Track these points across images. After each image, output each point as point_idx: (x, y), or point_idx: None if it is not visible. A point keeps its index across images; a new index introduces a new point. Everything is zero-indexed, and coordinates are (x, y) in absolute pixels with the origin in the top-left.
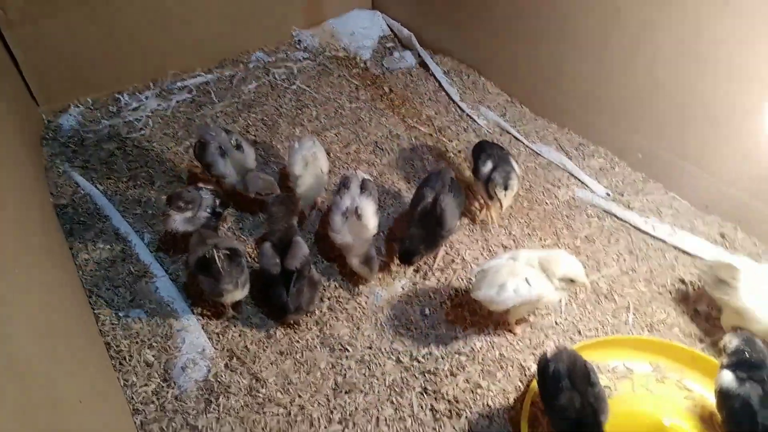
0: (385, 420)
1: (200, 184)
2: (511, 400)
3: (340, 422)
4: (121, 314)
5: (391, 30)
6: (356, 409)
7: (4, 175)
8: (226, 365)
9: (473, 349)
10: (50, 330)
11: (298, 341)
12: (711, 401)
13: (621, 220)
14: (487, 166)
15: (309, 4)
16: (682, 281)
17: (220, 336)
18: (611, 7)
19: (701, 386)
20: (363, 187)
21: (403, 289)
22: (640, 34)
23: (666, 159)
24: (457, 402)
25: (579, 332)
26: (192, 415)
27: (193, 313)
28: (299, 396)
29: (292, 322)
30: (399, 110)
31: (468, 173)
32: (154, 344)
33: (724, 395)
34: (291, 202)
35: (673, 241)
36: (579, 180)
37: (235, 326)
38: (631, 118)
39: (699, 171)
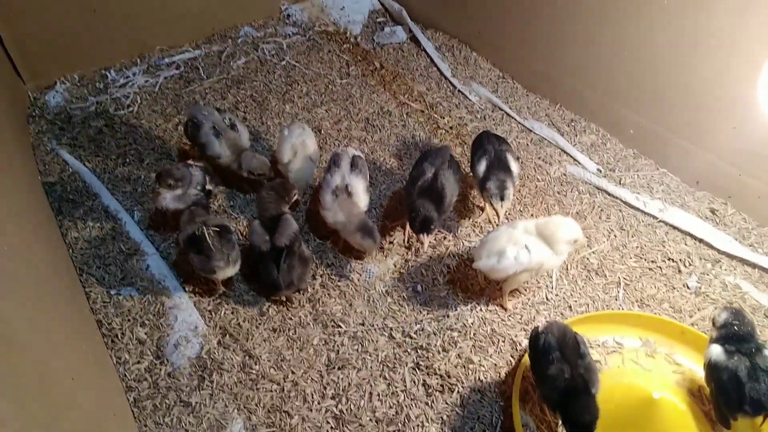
0: (378, 395)
1: (190, 161)
2: (503, 375)
3: (333, 398)
4: (112, 292)
5: (382, 4)
6: (349, 384)
7: None
8: (219, 342)
9: (465, 325)
10: (41, 308)
11: (290, 318)
12: (700, 375)
13: (612, 196)
14: (482, 166)
15: None
16: (672, 258)
17: (213, 313)
18: None
19: (690, 360)
20: (353, 164)
21: (395, 266)
22: (632, 9)
23: (657, 135)
24: (449, 377)
25: (570, 308)
26: (185, 392)
27: (185, 291)
28: (292, 372)
29: (283, 298)
30: (390, 86)
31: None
32: (147, 322)
33: (712, 368)
34: (284, 189)
35: (664, 217)
36: (571, 156)
37: (227, 304)
38: (623, 93)
39: (690, 146)
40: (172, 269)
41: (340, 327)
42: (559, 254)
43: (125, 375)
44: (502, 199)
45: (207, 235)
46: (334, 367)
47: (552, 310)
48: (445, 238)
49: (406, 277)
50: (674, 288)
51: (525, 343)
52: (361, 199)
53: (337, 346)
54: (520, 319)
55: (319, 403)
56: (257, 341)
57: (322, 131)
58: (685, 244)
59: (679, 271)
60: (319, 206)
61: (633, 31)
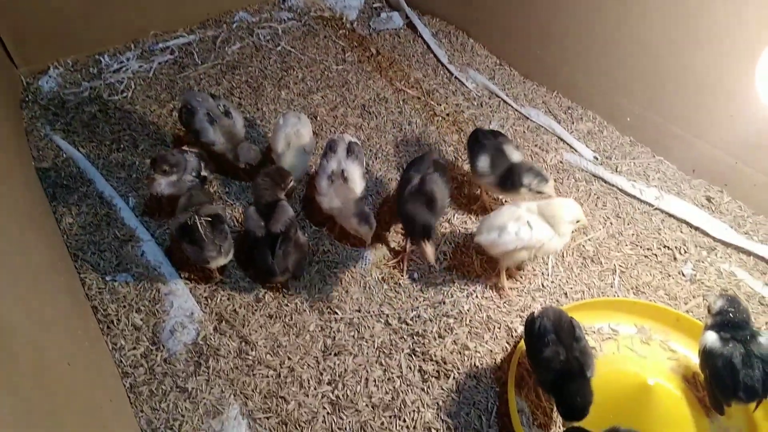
0: (374, 381)
1: (185, 147)
2: (498, 361)
3: (329, 383)
4: (107, 278)
5: None
6: (345, 370)
7: None
8: (215, 328)
9: (461, 312)
10: (35, 294)
11: (287, 305)
12: (694, 362)
13: (608, 183)
14: (483, 161)
15: None
16: (667, 245)
17: (209, 300)
18: None
19: (685, 347)
20: (349, 150)
21: (391, 253)
22: None
23: (654, 122)
24: (445, 363)
25: (565, 295)
26: (181, 378)
27: (181, 278)
28: (289, 358)
29: (278, 284)
30: (386, 73)
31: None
32: (142, 308)
33: (707, 355)
34: (279, 176)
35: (660, 205)
36: (567, 144)
37: (223, 290)
38: (620, 81)
39: (686, 134)
40: (168, 256)
41: (336, 313)
42: (561, 236)
43: (121, 361)
44: (546, 180)
45: (199, 225)
46: (330, 354)
47: (548, 297)
48: (440, 224)
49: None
50: (670, 275)
51: (520, 329)
52: (358, 185)
53: (334, 332)
54: (516, 305)
55: (315, 389)
56: (253, 327)
57: (318, 118)
58: (681, 232)
59: (675, 258)
60: (315, 192)
61: (631, 18)
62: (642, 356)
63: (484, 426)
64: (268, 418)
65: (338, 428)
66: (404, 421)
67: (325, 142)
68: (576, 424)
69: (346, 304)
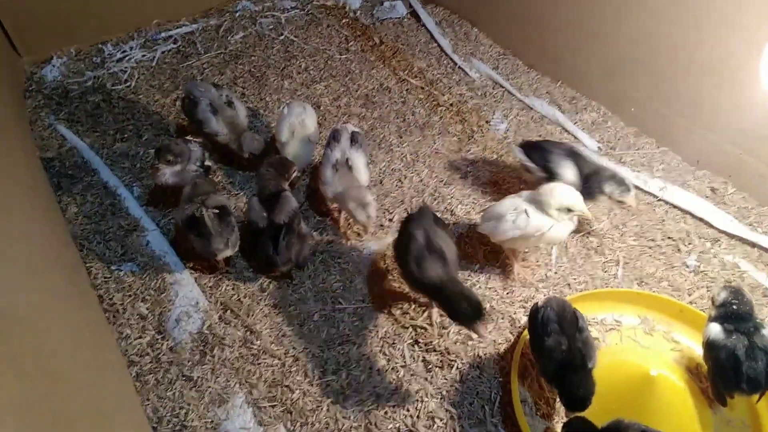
0: (378, 371)
1: (188, 137)
2: (502, 351)
3: (333, 373)
4: (113, 268)
5: None
6: (349, 360)
7: None
8: (220, 318)
9: None
10: (41, 283)
11: (291, 295)
12: (698, 353)
13: None
14: (568, 170)
15: None
16: (671, 236)
17: (213, 289)
18: None
19: (688, 338)
20: (353, 139)
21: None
22: None
23: (659, 113)
24: (448, 353)
25: (569, 285)
26: (187, 367)
27: (186, 267)
28: (293, 348)
29: (281, 274)
30: (390, 62)
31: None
32: (148, 297)
33: (711, 346)
34: (283, 166)
35: (664, 196)
36: (571, 134)
37: (228, 280)
38: (625, 71)
39: (691, 125)
40: (172, 245)
41: (340, 303)
42: (560, 222)
43: (127, 350)
44: (629, 190)
45: (207, 218)
46: (334, 343)
47: (551, 288)
48: (443, 215)
49: None
50: (673, 266)
51: (524, 320)
52: (362, 173)
53: (337, 322)
54: (520, 296)
55: (319, 378)
56: (258, 317)
57: (321, 107)
58: (685, 223)
59: (679, 249)
60: (319, 181)
61: (635, 7)
62: (645, 347)
63: (488, 416)
64: (273, 407)
65: (342, 417)
66: (408, 410)
67: (329, 132)
68: (578, 414)
69: (349, 294)
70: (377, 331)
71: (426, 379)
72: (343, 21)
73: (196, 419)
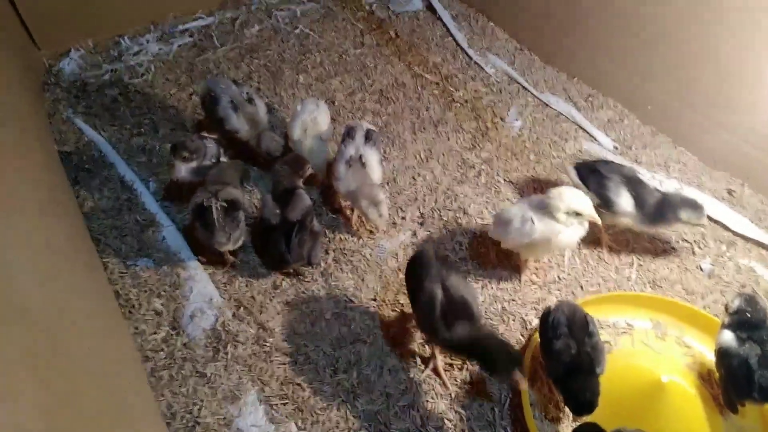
0: (389, 370)
1: (204, 134)
2: None
3: (345, 371)
4: (129, 263)
5: None
6: (360, 359)
7: (8, 122)
8: (233, 314)
9: None
10: (58, 277)
11: (303, 292)
12: (710, 359)
13: None
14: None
15: None
16: (686, 239)
17: (227, 286)
18: None
19: (701, 344)
20: (367, 136)
21: (407, 242)
22: None
23: (676, 112)
24: None
25: (581, 287)
26: (201, 363)
27: (200, 263)
28: (305, 345)
29: (292, 271)
30: (405, 57)
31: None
32: (163, 293)
33: (723, 354)
34: (297, 164)
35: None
36: (587, 132)
37: (241, 276)
38: (642, 68)
39: (709, 124)
40: (187, 241)
41: (352, 302)
42: (569, 228)
43: (142, 345)
44: (703, 213)
45: (214, 209)
46: (345, 342)
47: (564, 290)
48: (456, 215)
49: None
50: (687, 270)
51: (535, 321)
52: (375, 170)
53: (349, 320)
54: (531, 297)
55: (330, 377)
56: (271, 314)
57: (336, 103)
58: (700, 226)
59: (693, 252)
60: (332, 177)
61: (656, 3)
62: (657, 352)
63: (497, 418)
64: (284, 404)
65: (353, 416)
66: (417, 410)
67: (343, 128)
68: (587, 419)
69: (361, 293)
70: (388, 331)
71: (436, 379)
72: (359, 14)
73: (209, 415)
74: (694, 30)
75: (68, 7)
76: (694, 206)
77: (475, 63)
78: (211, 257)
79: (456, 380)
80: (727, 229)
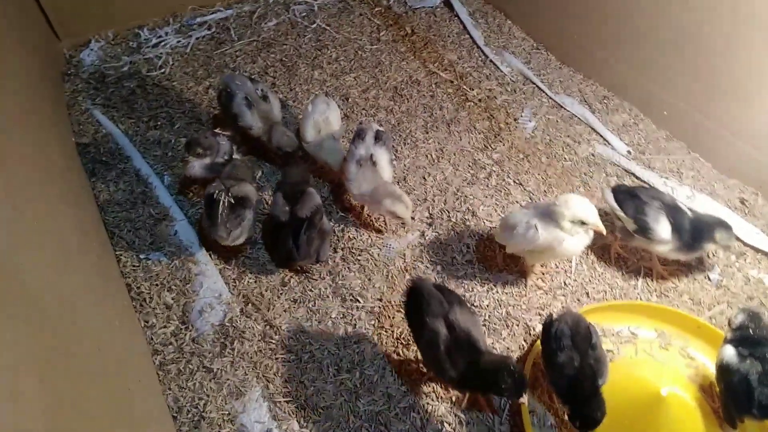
0: (392, 371)
1: (217, 130)
2: (515, 359)
3: (348, 371)
4: (141, 256)
5: None
6: (364, 359)
7: (28, 112)
8: (241, 311)
9: (480, 307)
10: (73, 269)
11: (311, 290)
12: (712, 371)
13: (640, 180)
14: (662, 225)
15: None
16: None
17: (237, 281)
18: None
19: (704, 355)
20: (377, 137)
21: (414, 243)
22: None
23: (692, 117)
24: None
25: (587, 294)
26: (208, 358)
27: (211, 258)
28: (310, 344)
29: (300, 267)
30: (420, 54)
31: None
32: (174, 287)
33: (724, 370)
34: (305, 174)
35: (691, 205)
36: (601, 136)
37: (251, 272)
38: (659, 72)
39: (724, 132)
40: (199, 236)
41: (358, 301)
42: (573, 236)
43: (152, 338)
44: (733, 234)
45: (221, 203)
46: (350, 341)
47: (569, 296)
48: (464, 216)
49: (425, 256)
50: (695, 279)
51: (539, 327)
52: (386, 170)
53: (355, 320)
54: (536, 303)
55: (334, 376)
56: (278, 311)
57: (350, 99)
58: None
59: (702, 262)
60: (343, 177)
61: (674, 5)
62: (659, 362)
63: (496, 423)
64: (288, 402)
65: (354, 416)
66: (418, 413)
67: (354, 126)
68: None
69: (368, 293)
70: (393, 331)
71: (438, 382)
72: (376, 9)
73: (214, 411)
74: (714, 38)
75: None
76: (726, 227)
77: (491, 61)
78: (226, 255)
79: None
80: (737, 239)
